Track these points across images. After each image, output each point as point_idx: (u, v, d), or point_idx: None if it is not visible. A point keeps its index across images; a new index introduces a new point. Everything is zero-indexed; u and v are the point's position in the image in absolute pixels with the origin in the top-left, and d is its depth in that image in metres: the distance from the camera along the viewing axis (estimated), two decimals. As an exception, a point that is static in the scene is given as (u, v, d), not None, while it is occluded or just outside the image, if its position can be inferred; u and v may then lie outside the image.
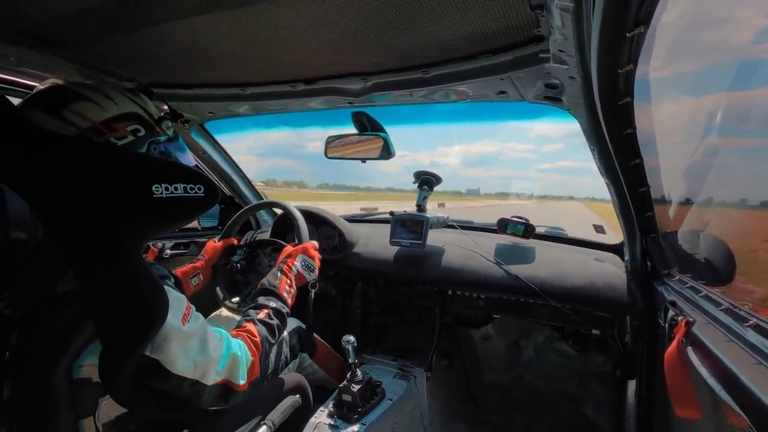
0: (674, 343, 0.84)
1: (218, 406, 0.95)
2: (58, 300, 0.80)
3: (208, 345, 0.90)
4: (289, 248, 1.38)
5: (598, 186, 1.20)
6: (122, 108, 0.90)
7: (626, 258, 1.45)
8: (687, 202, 1.03)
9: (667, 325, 1.01)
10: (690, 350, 0.79)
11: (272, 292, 1.19)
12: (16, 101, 0.82)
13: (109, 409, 0.86)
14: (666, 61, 0.74)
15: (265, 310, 1.12)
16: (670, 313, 1.00)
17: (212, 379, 0.90)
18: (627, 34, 0.58)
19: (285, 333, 1.44)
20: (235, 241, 1.67)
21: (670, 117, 0.93)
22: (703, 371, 0.71)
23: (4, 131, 0.75)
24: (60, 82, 0.89)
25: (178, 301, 0.86)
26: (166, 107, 1.08)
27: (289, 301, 1.21)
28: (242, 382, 0.95)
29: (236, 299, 1.58)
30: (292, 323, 1.53)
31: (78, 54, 1.12)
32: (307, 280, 1.33)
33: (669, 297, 1.07)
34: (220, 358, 0.92)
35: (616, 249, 1.61)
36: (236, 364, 0.95)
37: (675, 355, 0.82)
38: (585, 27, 0.67)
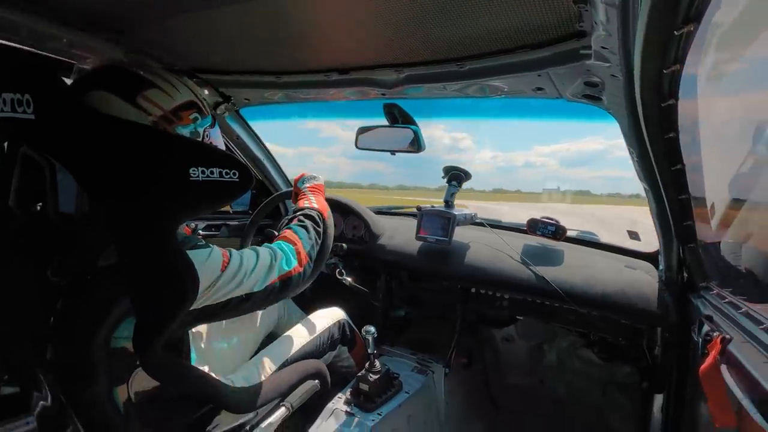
0: (710, 359, 0.80)
1: (284, 296, 1.07)
2: (99, 273, 0.85)
3: (256, 264, 0.99)
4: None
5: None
6: (184, 96, 0.95)
7: (661, 267, 1.39)
8: (731, 213, 0.97)
9: (700, 340, 0.97)
10: (724, 368, 0.76)
11: (294, 211, 1.28)
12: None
13: (142, 379, 0.91)
14: (715, 63, 0.70)
15: (294, 219, 1.21)
16: (705, 327, 0.95)
17: (264, 283, 1.00)
18: (675, 33, 0.55)
19: (328, 324, 1.51)
20: None
21: (717, 122, 0.88)
22: (737, 392, 0.68)
23: (58, 111, 0.80)
24: (117, 64, 0.94)
25: (214, 256, 0.92)
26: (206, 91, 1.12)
27: (315, 204, 1.29)
28: (294, 264, 1.07)
29: None
30: (336, 315, 1.58)
31: (124, 37, 1.17)
32: (320, 183, 1.40)
33: (705, 311, 1.02)
34: (268, 266, 1.02)
35: (650, 257, 1.55)
36: (280, 257, 1.05)
37: (712, 372, 0.79)
38: (630, 23, 0.64)
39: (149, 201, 0.80)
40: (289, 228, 1.17)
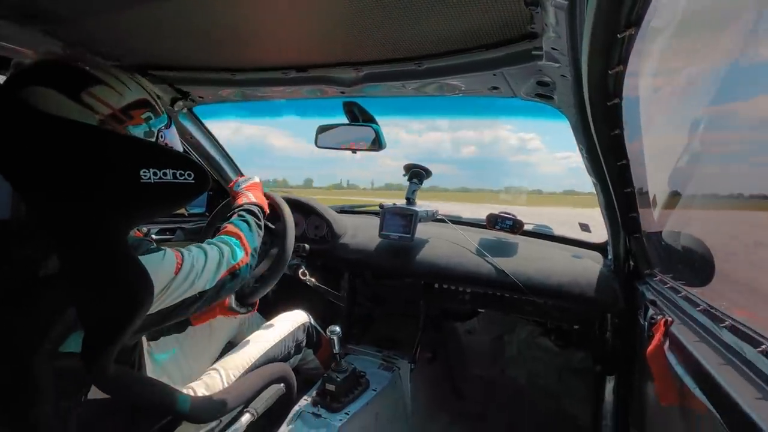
0: (655, 341, 0.85)
1: (234, 289, 1.08)
2: (40, 283, 0.79)
3: (205, 263, 0.99)
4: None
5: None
6: (135, 94, 0.90)
7: (609, 257, 1.47)
8: (671, 204, 1.04)
9: (646, 323, 1.03)
10: (668, 349, 0.81)
11: (233, 209, 1.28)
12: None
13: (94, 393, 0.85)
14: (655, 65, 0.75)
15: (235, 214, 1.23)
16: (650, 312, 1.02)
17: (214, 280, 1.00)
18: (618, 35, 0.58)
19: (292, 328, 1.50)
20: None
21: (657, 120, 0.94)
22: (679, 369, 0.73)
23: None
24: (59, 58, 0.87)
25: (168, 259, 0.90)
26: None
27: (254, 199, 1.31)
28: (240, 256, 1.08)
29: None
30: (300, 319, 1.56)
31: (64, 30, 1.08)
32: (256, 182, 1.43)
33: (649, 296, 1.09)
34: (217, 263, 1.02)
35: (600, 248, 1.64)
36: (227, 252, 1.06)
37: (657, 353, 0.84)
38: (578, 26, 0.67)
39: (96, 205, 0.75)
40: (230, 222, 1.18)
